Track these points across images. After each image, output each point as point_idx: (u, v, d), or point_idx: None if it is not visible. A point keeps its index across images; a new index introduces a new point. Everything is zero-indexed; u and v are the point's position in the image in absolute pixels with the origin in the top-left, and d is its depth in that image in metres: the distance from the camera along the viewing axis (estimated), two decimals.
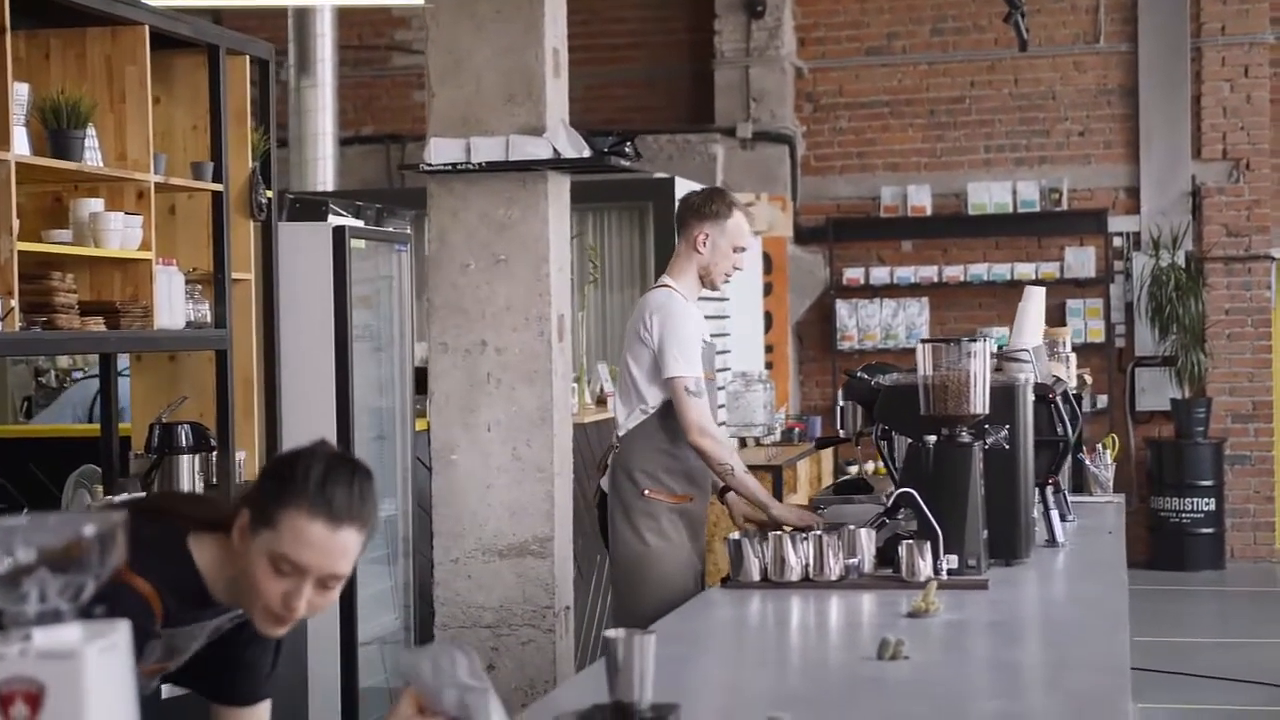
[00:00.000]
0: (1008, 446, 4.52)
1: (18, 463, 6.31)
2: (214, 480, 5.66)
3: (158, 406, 5.70)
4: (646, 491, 5.25)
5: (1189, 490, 12.31)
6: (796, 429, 10.88)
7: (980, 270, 12.83)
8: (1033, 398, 4.74)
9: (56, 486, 5.89)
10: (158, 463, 5.49)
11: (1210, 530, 12.35)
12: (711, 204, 5.38)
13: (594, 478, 7.53)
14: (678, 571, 5.24)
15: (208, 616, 2.74)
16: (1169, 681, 8.62)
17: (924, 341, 4.46)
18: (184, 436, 5.47)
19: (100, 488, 5.57)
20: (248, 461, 5.88)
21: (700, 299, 5.51)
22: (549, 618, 5.69)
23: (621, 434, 5.35)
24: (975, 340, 4.43)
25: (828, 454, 11.18)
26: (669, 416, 5.21)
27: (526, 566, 5.72)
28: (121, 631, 1.80)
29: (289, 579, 2.55)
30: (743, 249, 5.42)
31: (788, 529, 4.95)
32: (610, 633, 2.74)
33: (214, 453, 5.63)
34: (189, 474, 5.50)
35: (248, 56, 5.91)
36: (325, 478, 2.55)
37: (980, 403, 4.39)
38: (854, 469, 12.33)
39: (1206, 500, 12.31)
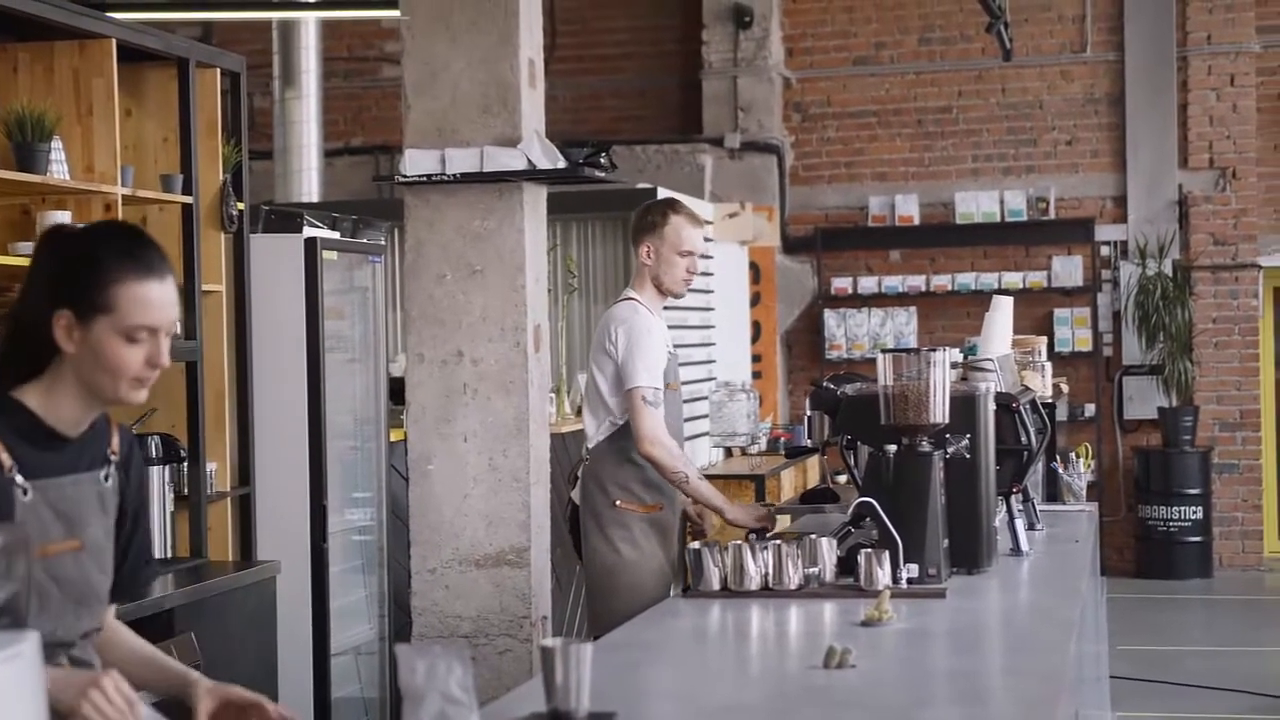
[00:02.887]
0: (969, 455, 4.53)
1: None
2: (185, 492, 5.67)
3: (127, 418, 5.70)
4: (618, 502, 5.33)
5: (1177, 499, 12.32)
6: (783, 438, 10.89)
7: (968, 279, 12.84)
8: (994, 407, 4.74)
9: None
10: None
11: (1198, 539, 12.35)
12: (647, 216, 5.53)
13: (567, 489, 7.57)
14: (650, 580, 5.30)
15: (71, 467, 2.77)
16: (1154, 690, 8.63)
17: (884, 351, 4.48)
18: (154, 448, 5.48)
19: None
20: (219, 473, 5.90)
21: (683, 306, 5.61)
22: (526, 627, 5.69)
23: (591, 446, 5.43)
24: (935, 350, 4.44)
25: (813, 463, 11.19)
26: None
27: (503, 576, 5.73)
28: (30, 641, 1.82)
29: (144, 344, 2.71)
30: (688, 253, 5.47)
31: (745, 530, 5.01)
32: (547, 642, 2.76)
33: (184, 464, 5.64)
34: (159, 485, 5.50)
35: (218, 69, 5.93)
36: (128, 246, 2.72)
37: (940, 412, 4.40)
38: (843, 479, 12.34)
39: (1194, 508, 12.31)
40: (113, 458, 2.87)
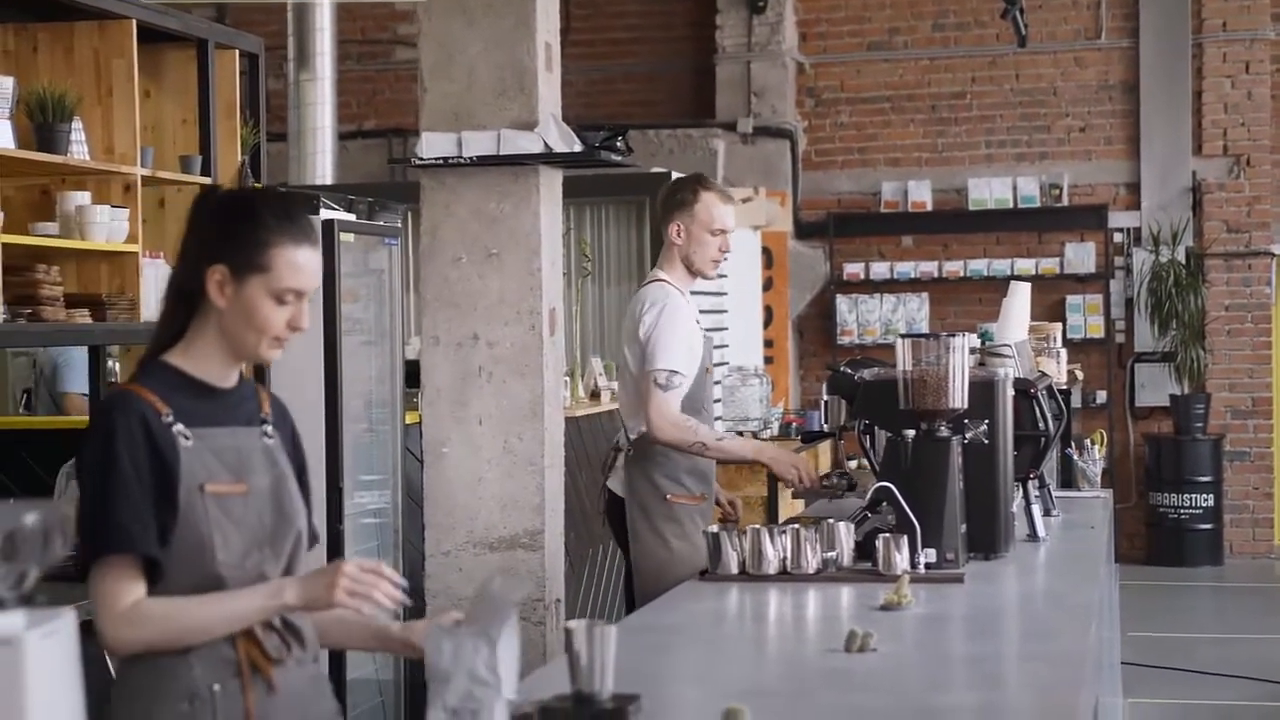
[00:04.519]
0: (987, 441, 4.53)
1: (13, 454, 6.34)
2: None
3: None
4: (669, 496, 5.20)
5: (1188, 486, 12.32)
6: (795, 424, 10.88)
7: (980, 266, 12.83)
8: (1013, 393, 4.75)
9: (51, 477, 5.91)
10: None
11: (1209, 526, 12.35)
12: (677, 193, 5.35)
13: (585, 471, 7.56)
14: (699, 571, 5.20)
15: (228, 419, 2.88)
16: (1165, 677, 8.64)
17: (903, 336, 4.47)
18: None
19: None
20: None
21: (696, 292, 5.51)
22: (539, 610, 5.70)
23: (634, 437, 5.27)
24: (955, 335, 4.44)
25: (825, 448, 11.20)
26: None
27: (517, 560, 5.73)
28: (66, 619, 1.82)
29: (290, 306, 2.83)
30: (721, 231, 5.31)
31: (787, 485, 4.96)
32: (571, 624, 2.76)
33: None
34: None
35: (237, 51, 5.94)
36: (288, 211, 2.85)
37: (959, 397, 4.40)
38: (853, 464, 12.34)
39: (1205, 496, 12.32)
40: (268, 418, 2.97)
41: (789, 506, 8.45)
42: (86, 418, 6.49)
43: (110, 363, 6.13)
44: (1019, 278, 12.50)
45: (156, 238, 5.54)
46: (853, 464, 12.00)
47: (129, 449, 2.75)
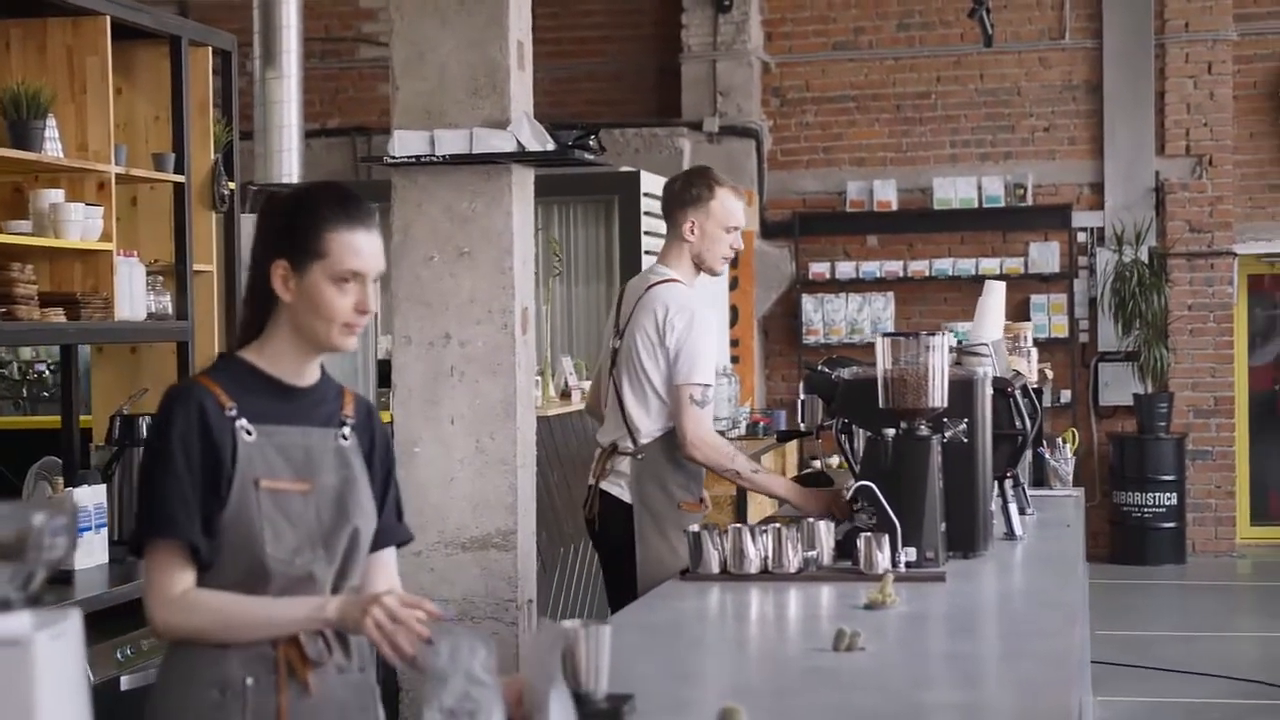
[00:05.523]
0: (966, 440, 4.54)
1: None
2: None
3: (119, 398, 5.67)
4: (682, 504, 5.06)
5: (1151, 485, 12.39)
6: (762, 423, 10.90)
7: (945, 265, 12.87)
8: (991, 392, 4.76)
9: (19, 478, 5.86)
10: (119, 454, 5.46)
11: (1172, 525, 12.42)
12: (692, 188, 5.14)
13: (556, 471, 7.54)
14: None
15: (303, 419, 2.91)
16: (1129, 674, 8.68)
17: (884, 335, 4.47)
18: (145, 428, 5.45)
19: (61, 479, 5.54)
20: None
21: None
22: (512, 610, 5.69)
23: (645, 441, 5.08)
24: (934, 334, 4.44)
25: (792, 447, 11.22)
26: None
27: (490, 559, 5.72)
28: (72, 620, 1.81)
29: (353, 289, 2.87)
30: (734, 228, 5.14)
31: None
32: (566, 624, 2.76)
33: None
34: None
35: (210, 47, 5.90)
36: (338, 198, 2.91)
37: (939, 396, 4.40)
38: (816, 463, 12.36)
39: (1168, 495, 12.39)
40: (348, 420, 2.98)
41: (758, 506, 8.47)
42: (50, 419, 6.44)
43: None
44: (984, 277, 12.59)
45: (130, 236, 5.50)
46: (816, 463, 12.03)
47: (183, 438, 2.80)
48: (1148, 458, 12.41)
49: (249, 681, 2.81)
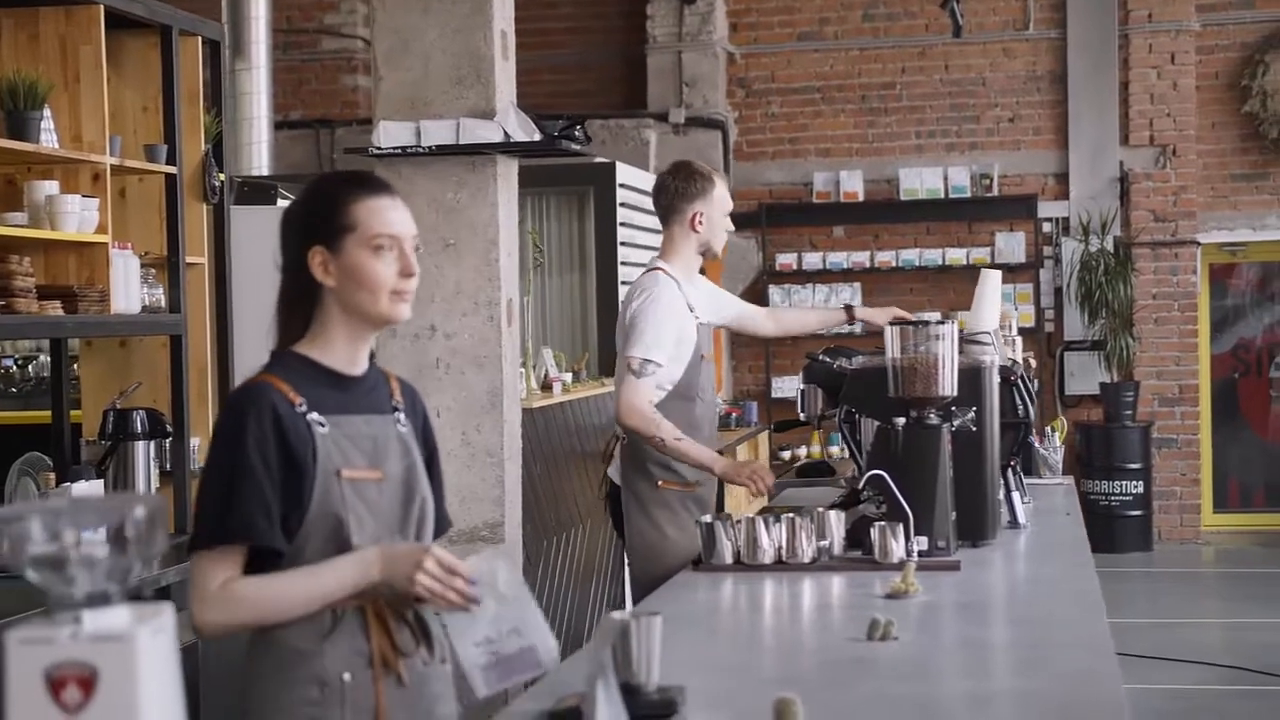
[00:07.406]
0: (975, 428, 4.54)
1: None
2: (169, 468, 5.59)
3: (109, 392, 5.61)
4: (660, 483, 5.21)
5: (1117, 473, 12.45)
6: (734, 414, 10.91)
7: (912, 255, 12.90)
8: (998, 379, 4.76)
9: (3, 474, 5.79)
10: (112, 449, 5.41)
11: (1138, 513, 12.50)
12: (695, 183, 5.35)
13: (539, 463, 7.52)
14: (694, 557, 5.16)
15: (363, 407, 2.89)
16: None
17: (892, 324, 4.47)
18: (139, 423, 5.40)
19: (52, 475, 5.48)
20: (203, 448, 5.81)
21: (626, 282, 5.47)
22: None
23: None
24: (944, 323, 4.44)
25: (764, 438, 11.23)
26: (676, 405, 5.16)
27: (477, 551, 5.68)
28: (167, 614, 1.79)
29: (391, 252, 2.85)
30: (729, 210, 5.49)
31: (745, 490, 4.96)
32: (617, 615, 2.74)
33: (169, 439, 5.56)
34: (144, 461, 5.42)
35: (200, 38, 5.84)
36: (351, 175, 2.94)
37: (949, 385, 4.40)
38: (802, 451, 12.38)
39: (1135, 483, 12.46)
40: (400, 406, 2.96)
41: (733, 498, 8.45)
42: (42, 413, 6.37)
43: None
44: (950, 268, 12.66)
45: (120, 228, 5.43)
46: (786, 454, 12.01)
47: (258, 441, 2.76)
48: (1114, 446, 12.47)
49: (346, 678, 2.78)
